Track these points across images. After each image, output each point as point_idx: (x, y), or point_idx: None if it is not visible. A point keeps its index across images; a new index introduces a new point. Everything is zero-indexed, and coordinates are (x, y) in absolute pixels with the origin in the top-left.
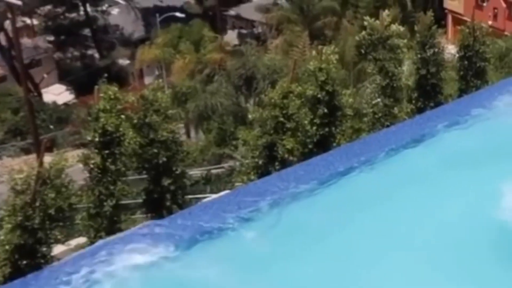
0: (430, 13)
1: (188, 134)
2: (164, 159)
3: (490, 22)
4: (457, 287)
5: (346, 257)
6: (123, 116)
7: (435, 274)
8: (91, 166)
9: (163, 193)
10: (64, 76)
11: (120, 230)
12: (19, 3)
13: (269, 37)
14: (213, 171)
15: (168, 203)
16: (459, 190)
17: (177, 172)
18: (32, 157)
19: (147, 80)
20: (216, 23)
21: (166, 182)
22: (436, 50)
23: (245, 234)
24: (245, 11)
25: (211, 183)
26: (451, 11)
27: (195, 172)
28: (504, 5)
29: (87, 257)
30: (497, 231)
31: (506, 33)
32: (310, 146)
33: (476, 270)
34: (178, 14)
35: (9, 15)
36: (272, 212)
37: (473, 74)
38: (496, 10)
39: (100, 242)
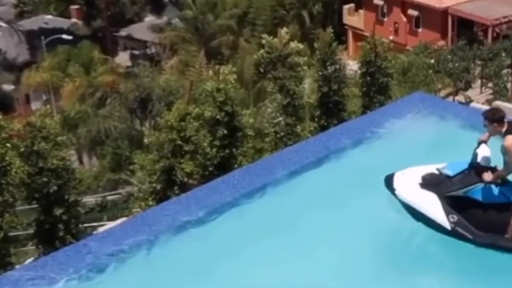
0: (329, 30)
1: (80, 160)
2: (55, 187)
3: (391, 37)
4: None
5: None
6: (8, 145)
7: None
8: None
9: (56, 223)
10: None
11: (10, 264)
12: None
13: (164, 57)
14: (109, 198)
15: (61, 234)
16: (366, 209)
17: (70, 200)
18: None
19: (34, 105)
20: (106, 44)
21: (58, 211)
22: (337, 67)
23: (142, 263)
24: (137, 31)
25: (107, 210)
26: (351, 27)
27: (90, 200)
28: (405, 19)
29: None
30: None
31: (408, 47)
32: (210, 169)
33: None
34: (65, 36)
35: None
36: (171, 240)
37: (376, 90)
38: (397, 25)
39: None
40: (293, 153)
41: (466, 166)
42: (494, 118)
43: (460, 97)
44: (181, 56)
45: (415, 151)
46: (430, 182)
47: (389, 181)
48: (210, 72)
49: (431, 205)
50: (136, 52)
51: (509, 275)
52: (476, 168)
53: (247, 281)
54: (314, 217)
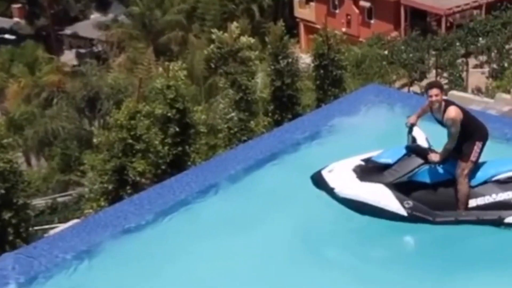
0: (280, 23)
1: (28, 162)
2: (3, 191)
3: (343, 29)
4: None
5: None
6: None
7: None
8: None
9: (4, 227)
10: None
11: None
12: None
13: (111, 55)
14: (60, 200)
15: (10, 238)
16: (321, 204)
17: (19, 203)
18: None
19: None
20: (51, 43)
21: (6, 215)
22: (289, 60)
23: (95, 265)
24: (82, 29)
25: (58, 212)
26: (303, 20)
27: (40, 202)
28: (357, 11)
29: None
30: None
31: (361, 39)
32: (163, 167)
33: None
34: (7, 36)
35: None
36: (124, 241)
37: (330, 83)
38: (349, 17)
39: None
40: (247, 149)
41: (403, 151)
42: (439, 85)
43: (415, 88)
44: (129, 54)
45: (371, 143)
46: (369, 174)
47: (319, 181)
48: (160, 69)
49: (382, 195)
50: (82, 50)
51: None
52: (417, 151)
53: (201, 279)
54: (269, 214)
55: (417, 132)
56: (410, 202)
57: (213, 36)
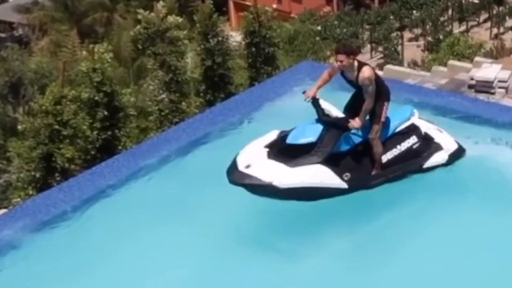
0: (209, 1)
1: None
2: None
3: (274, 6)
4: None
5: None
6: None
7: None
8: None
9: None
10: None
11: None
12: None
13: (33, 39)
14: None
15: None
16: None
17: None
18: None
19: None
20: None
21: None
22: (220, 39)
23: (24, 256)
24: (1, 13)
25: None
26: None
27: None
28: None
29: None
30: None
31: (292, 15)
32: (92, 153)
33: None
34: None
35: None
36: (53, 229)
37: (263, 61)
38: None
39: None
40: (179, 131)
41: (319, 126)
42: (346, 50)
43: None
44: (52, 37)
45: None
46: (297, 158)
47: (243, 179)
48: (84, 51)
49: (323, 175)
50: (2, 35)
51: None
52: (335, 122)
53: (134, 265)
54: (203, 197)
55: (324, 103)
56: (348, 174)
57: (139, 16)
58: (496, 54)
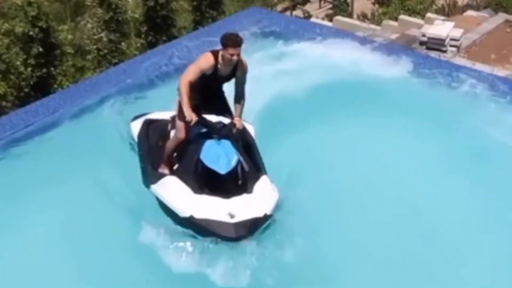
0: None
1: None
2: None
3: None
4: None
5: None
6: None
7: None
8: None
9: None
10: None
11: None
12: None
13: None
14: None
15: None
16: None
17: None
18: None
19: None
20: None
21: None
22: None
23: None
24: None
25: None
26: None
27: None
28: None
29: None
30: None
31: None
32: (26, 90)
33: None
34: None
35: None
36: None
37: (208, 4)
38: None
39: None
40: (119, 72)
41: (216, 143)
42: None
43: (298, 12)
44: None
45: (254, 70)
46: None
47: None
48: None
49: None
50: None
51: None
52: (221, 131)
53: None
54: None
55: (208, 117)
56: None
57: None
58: (448, 12)
